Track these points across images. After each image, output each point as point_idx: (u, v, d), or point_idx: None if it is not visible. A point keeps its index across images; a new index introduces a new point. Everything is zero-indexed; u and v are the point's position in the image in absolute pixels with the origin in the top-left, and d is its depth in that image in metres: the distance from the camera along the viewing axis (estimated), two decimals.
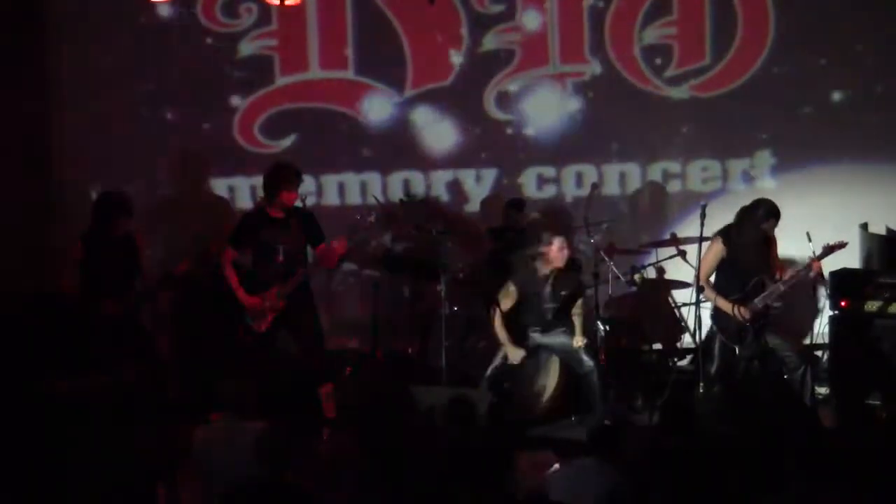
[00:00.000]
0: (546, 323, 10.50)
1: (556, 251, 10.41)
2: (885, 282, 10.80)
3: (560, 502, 6.61)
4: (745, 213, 10.06)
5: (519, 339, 10.48)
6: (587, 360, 10.35)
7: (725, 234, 10.12)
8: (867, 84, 12.43)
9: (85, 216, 10.54)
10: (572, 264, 10.85)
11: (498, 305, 10.42)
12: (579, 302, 10.61)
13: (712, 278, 10.19)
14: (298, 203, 10.29)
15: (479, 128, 12.66)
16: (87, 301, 10.18)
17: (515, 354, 10.39)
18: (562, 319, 10.55)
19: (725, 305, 10.00)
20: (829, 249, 9.96)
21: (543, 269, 10.46)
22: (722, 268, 10.11)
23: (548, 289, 10.49)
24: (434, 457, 7.03)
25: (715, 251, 10.09)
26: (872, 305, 10.82)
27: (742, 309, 9.94)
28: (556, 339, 10.45)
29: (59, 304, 10.64)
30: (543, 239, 10.51)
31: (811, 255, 9.91)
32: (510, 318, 10.49)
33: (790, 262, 10.43)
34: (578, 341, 10.36)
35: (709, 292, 10.13)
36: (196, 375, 11.08)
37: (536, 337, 10.49)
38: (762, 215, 9.95)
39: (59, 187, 12.52)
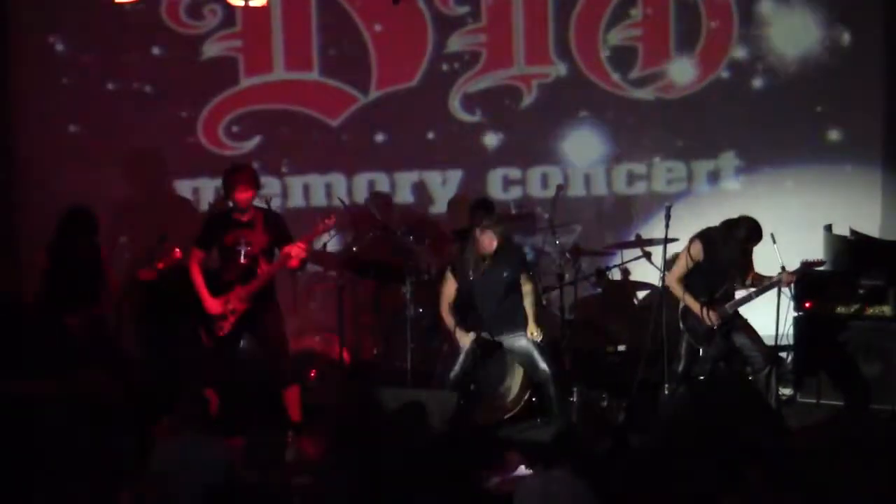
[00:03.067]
0: (493, 313, 10.29)
1: (486, 239, 10.16)
2: (850, 283, 10.85)
3: None
4: (729, 230, 9.96)
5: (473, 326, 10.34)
6: (543, 367, 10.17)
7: (705, 239, 10.05)
8: (832, 86, 12.47)
9: (49, 216, 10.61)
10: (515, 250, 10.62)
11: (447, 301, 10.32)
12: (528, 288, 10.35)
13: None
14: (263, 204, 10.26)
15: (445, 129, 12.64)
16: (51, 310, 10.25)
17: (464, 339, 10.23)
18: (510, 310, 10.36)
19: (695, 306, 10.00)
20: (807, 265, 9.98)
21: (478, 253, 10.22)
22: (695, 271, 10.07)
23: (485, 270, 10.26)
24: (400, 458, 7.02)
25: (693, 253, 10.01)
26: (837, 307, 10.87)
27: (712, 312, 9.95)
28: (514, 342, 10.30)
29: (19, 310, 10.65)
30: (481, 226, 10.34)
31: (779, 258, 9.91)
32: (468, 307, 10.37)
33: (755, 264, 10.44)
34: (533, 332, 10.29)
35: (679, 293, 10.08)
36: (160, 378, 11.03)
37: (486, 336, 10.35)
38: (744, 236, 9.90)
39: (22, 187, 12.44)
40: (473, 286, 10.19)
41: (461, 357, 10.27)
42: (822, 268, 10.29)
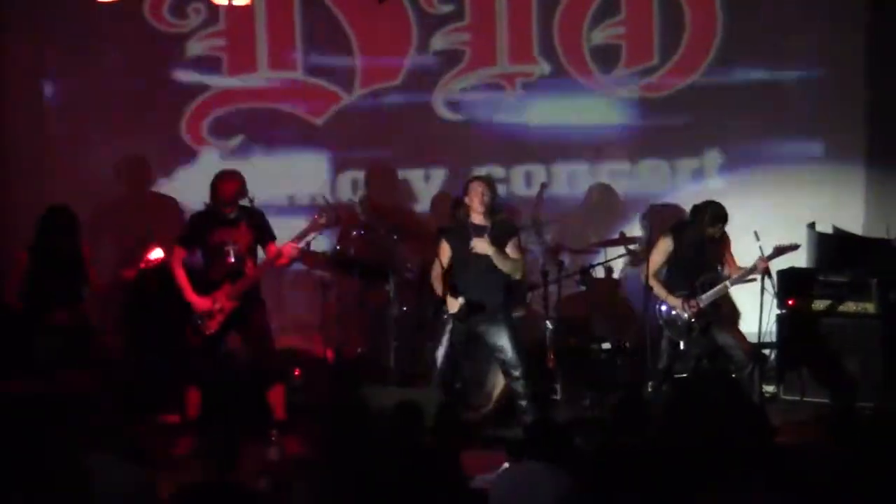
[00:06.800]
0: (474, 288, 9.98)
1: (476, 190, 10.00)
2: (832, 281, 10.89)
3: None
4: (694, 214, 10.16)
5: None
6: (512, 356, 9.95)
7: (675, 230, 10.22)
8: (815, 84, 12.49)
9: (32, 216, 10.61)
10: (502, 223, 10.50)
11: (441, 267, 10.14)
12: (515, 256, 10.02)
13: (663, 274, 10.27)
14: (247, 202, 10.26)
15: (428, 127, 12.64)
16: (33, 310, 10.24)
17: (453, 304, 9.92)
18: (492, 288, 10.06)
19: (673, 301, 10.11)
20: (779, 251, 10.04)
21: (472, 220, 10.02)
22: (670, 264, 10.20)
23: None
24: (384, 458, 7.02)
25: (663, 247, 10.22)
26: (820, 304, 10.90)
27: (689, 305, 10.03)
28: (490, 325, 10.16)
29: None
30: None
31: (760, 254, 9.99)
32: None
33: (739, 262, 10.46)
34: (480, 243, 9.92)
35: (657, 288, 10.21)
36: (145, 377, 11.05)
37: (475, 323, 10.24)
38: (708, 220, 10.03)
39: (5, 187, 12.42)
40: (457, 262, 10.04)
41: (445, 346, 10.13)
42: (795, 252, 10.31)
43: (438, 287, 10.07)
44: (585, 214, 12.65)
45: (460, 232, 10.02)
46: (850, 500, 5.98)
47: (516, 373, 9.95)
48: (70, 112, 12.47)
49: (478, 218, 9.98)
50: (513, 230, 10.14)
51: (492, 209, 10.01)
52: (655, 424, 7.81)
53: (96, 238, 11.80)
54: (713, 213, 10.05)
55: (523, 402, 9.94)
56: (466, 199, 10.02)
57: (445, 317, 9.97)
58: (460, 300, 9.86)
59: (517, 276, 10.17)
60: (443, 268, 9.96)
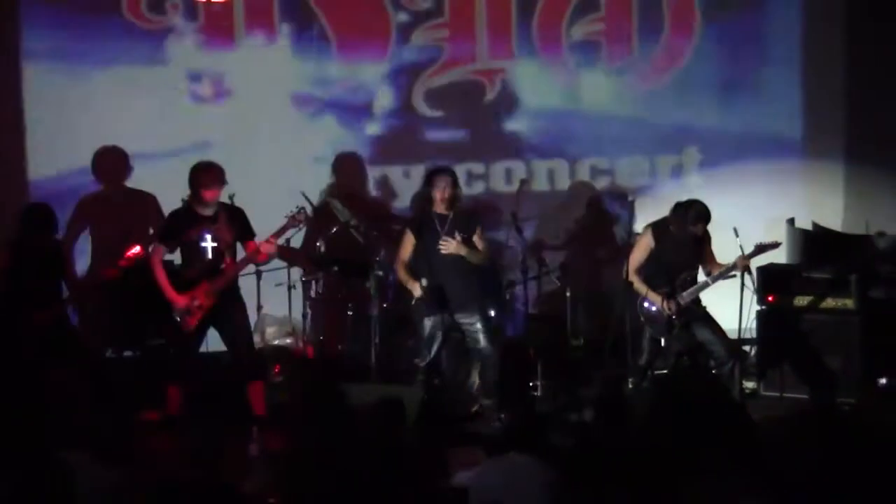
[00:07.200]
0: (448, 271, 10.18)
1: (440, 185, 10.18)
2: (812, 277, 10.90)
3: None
4: (677, 211, 10.14)
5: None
6: (484, 345, 10.16)
7: (656, 227, 10.23)
8: (795, 81, 12.52)
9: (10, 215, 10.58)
10: (470, 214, 10.62)
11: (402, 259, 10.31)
12: (477, 236, 10.29)
13: (644, 270, 10.29)
14: (227, 200, 10.24)
15: (407, 124, 12.61)
16: (12, 309, 10.19)
17: (416, 289, 10.16)
18: (466, 283, 10.26)
19: (654, 298, 10.13)
20: (760, 248, 10.05)
21: (435, 210, 10.25)
22: (651, 260, 10.21)
23: (444, 230, 10.20)
24: (365, 455, 7.00)
25: (644, 243, 10.24)
26: (800, 301, 10.91)
27: (670, 302, 10.04)
28: (465, 317, 10.22)
29: None
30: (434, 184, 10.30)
31: (740, 251, 10.00)
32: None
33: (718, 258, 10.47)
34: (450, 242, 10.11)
35: (638, 285, 10.22)
36: (125, 374, 11.05)
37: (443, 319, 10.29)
38: (691, 218, 10.04)
39: None
40: (424, 253, 10.18)
41: (426, 339, 10.20)
42: (775, 250, 10.32)
43: (403, 276, 10.30)
44: (565, 211, 12.64)
45: (426, 223, 10.23)
46: (830, 497, 5.99)
47: (485, 356, 10.20)
48: (46, 107, 12.35)
49: (441, 208, 10.19)
50: (476, 219, 10.40)
51: (454, 200, 10.18)
52: (636, 421, 7.82)
53: (73, 236, 11.77)
54: (697, 213, 10.04)
55: (489, 386, 10.21)
56: (430, 191, 10.20)
57: (423, 315, 10.13)
58: (423, 281, 10.10)
59: (486, 263, 10.39)
60: (403, 260, 10.27)
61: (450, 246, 10.04)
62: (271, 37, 12.41)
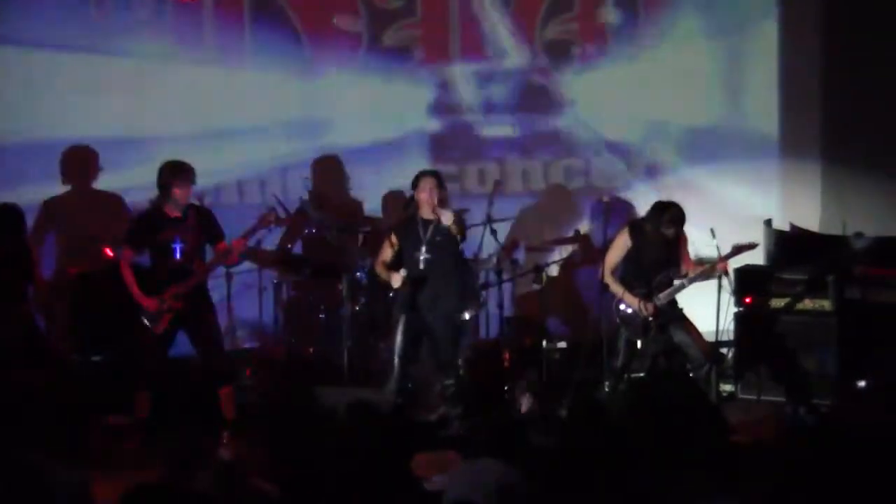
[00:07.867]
0: (420, 275, 10.14)
1: (425, 187, 10.14)
2: (789, 278, 10.87)
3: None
4: (653, 212, 10.06)
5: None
6: (450, 348, 10.23)
7: (633, 226, 10.17)
8: (771, 80, 12.49)
9: None
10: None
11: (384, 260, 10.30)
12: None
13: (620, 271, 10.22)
14: (196, 200, 10.15)
15: (380, 124, 12.50)
16: None
17: (396, 279, 10.09)
18: (447, 283, 10.26)
19: (631, 299, 10.05)
20: (737, 249, 10.00)
21: (421, 214, 10.20)
22: (628, 261, 10.14)
23: (427, 236, 10.19)
24: (336, 459, 6.91)
25: (620, 243, 10.16)
26: (777, 302, 10.87)
27: (646, 304, 9.98)
28: (440, 319, 10.18)
29: None
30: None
31: (717, 252, 9.94)
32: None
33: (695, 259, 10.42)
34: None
35: (614, 286, 10.13)
36: (93, 377, 10.96)
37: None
38: (665, 220, 9.97)
39: None
40: (408, 257, 10.14)
41: (399, 336, 10.12)
42: (752, 251, 10.28)
43: (381, 272, 10.26)
44: (540, 212, 12.57)
45: (411, 227, 10.15)
46: (807, 499, 5.92)
47: (448, 360, 10.21)
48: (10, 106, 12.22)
49: (427, 212, 10.09)
50: (460, 219, 10.29)
51: (440, 201, 10.11)
52: (612, 424, 7.74)
53: (40, 237, 11.65)
54: (672, 216, 9.95)
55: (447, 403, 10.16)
56: (416, 194, 10.11)
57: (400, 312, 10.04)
58: (402, 272, 10.04)
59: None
60: (383, 261, 10.25)
61: (446, 216, 9.95)
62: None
